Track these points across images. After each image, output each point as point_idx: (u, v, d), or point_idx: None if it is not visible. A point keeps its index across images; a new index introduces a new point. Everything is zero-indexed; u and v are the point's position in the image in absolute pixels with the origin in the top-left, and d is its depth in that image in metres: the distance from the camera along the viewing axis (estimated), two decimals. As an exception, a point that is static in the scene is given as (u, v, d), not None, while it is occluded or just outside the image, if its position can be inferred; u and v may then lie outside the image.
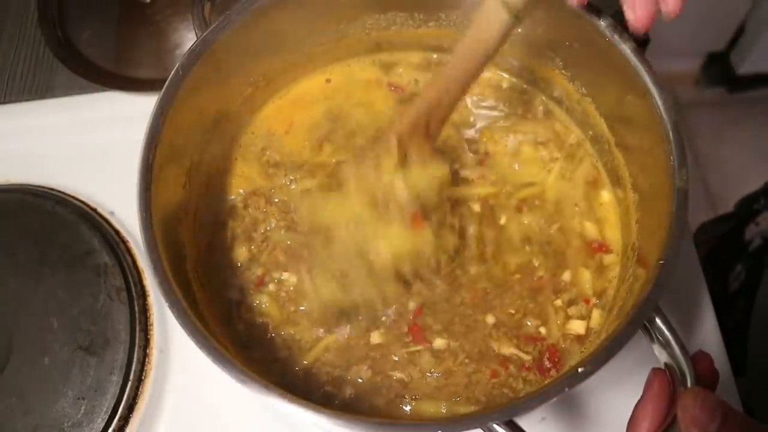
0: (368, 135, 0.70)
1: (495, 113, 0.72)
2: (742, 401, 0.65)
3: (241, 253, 0.64)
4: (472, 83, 0.59)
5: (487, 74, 0.73)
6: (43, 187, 0.74)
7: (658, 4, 0.46)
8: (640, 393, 0.47)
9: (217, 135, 0.67)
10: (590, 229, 0.65)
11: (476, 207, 0.66)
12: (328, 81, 0.73)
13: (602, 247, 0.64)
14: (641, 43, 0.79)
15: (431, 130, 0.60)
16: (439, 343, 0.60)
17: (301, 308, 0.62)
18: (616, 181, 0.65)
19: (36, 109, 0.82)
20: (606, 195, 0.67)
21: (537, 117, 0.71)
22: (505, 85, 0.73)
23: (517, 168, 0.68)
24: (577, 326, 0.61)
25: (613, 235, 0.65)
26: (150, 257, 0.52)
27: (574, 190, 0.67)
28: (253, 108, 0.70)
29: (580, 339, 0.61)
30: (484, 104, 0.72)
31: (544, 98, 0.72)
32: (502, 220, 0.65)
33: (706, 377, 0.46)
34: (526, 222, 0.65)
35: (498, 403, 0.58)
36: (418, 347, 0.60)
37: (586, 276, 0.63)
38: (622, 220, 0.64)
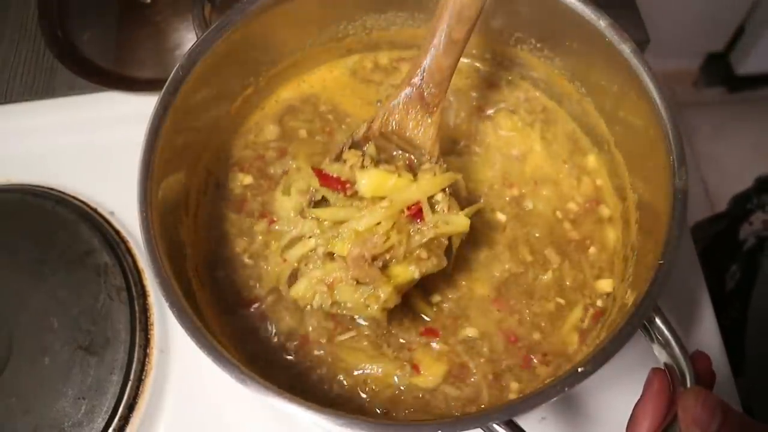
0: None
1: (493, 112, 0.72)
2: (741, 401, 0.65)
3: (243, 251, 0.64)
4: (463, 38, 0.56)
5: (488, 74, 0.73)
6: (44, 187, 0.75)
7: None
8: (640, 392, 0.47)
9: (217, 134, 0.67)
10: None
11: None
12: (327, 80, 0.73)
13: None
14: (641, 43, 0.80)
15: (427, 100, 0.58)
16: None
17: (308, 306, 0.61)
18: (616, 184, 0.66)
19: (36, 109, 0.82)
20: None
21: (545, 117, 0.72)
22: (504, 83, 0.73)
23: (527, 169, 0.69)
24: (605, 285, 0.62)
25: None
26: (150, 257, 0.52)
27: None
28: (253, 108, 0.70)
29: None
30: (488, 111, 0.72)
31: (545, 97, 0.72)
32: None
33: (705, 377, 0.46)
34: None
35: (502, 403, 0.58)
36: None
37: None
38: (622, 219, 0.64)
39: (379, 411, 0.58)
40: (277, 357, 0.60)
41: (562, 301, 0.62)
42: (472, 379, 0.59)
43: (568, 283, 0.63)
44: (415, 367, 0.59)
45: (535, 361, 0.60)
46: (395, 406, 0.58)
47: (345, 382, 0.59)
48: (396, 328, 0.61)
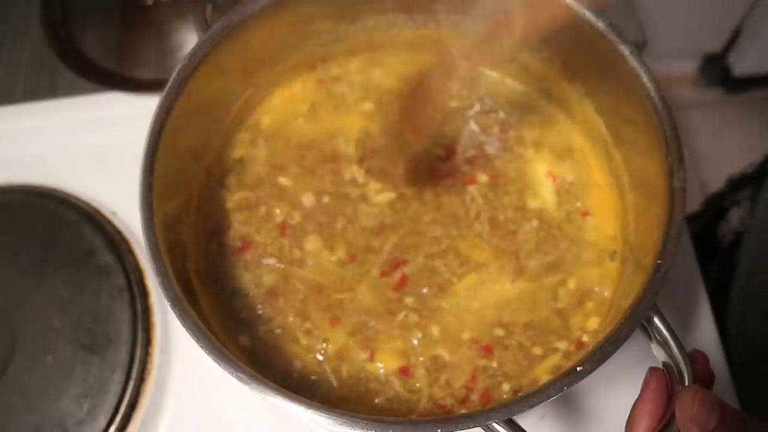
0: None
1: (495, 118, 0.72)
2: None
3: (243, 252, 0.64)
4: None
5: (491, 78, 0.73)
6: (46, 187, 0.75)
7: None
8: (639, 390, 0.48)
9: (218, 135, 0.67)
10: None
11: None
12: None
13: None
14: (639, 44, 0.80)
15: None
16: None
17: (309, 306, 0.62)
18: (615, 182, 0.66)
19: (38, 110, 0.82)
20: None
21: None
22: (507, 88, 0.73)
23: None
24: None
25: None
26: (151, 257, 0.52)
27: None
28: (254, 108, 0.71)
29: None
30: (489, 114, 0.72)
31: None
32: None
33: (703, 376, 0.46)
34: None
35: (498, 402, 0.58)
36: None
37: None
38: (621, 219, 0.65)
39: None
40: (278, 355, 0.60)
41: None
42: (417, 385, 0.59)
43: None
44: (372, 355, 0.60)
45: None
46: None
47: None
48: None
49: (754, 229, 0.80)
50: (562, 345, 0.60)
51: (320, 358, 0.59)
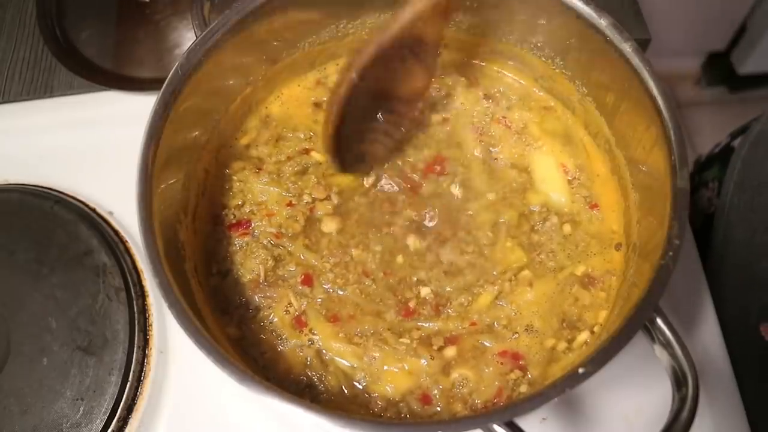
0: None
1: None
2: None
3: (240, 253, 0.64)
4: None
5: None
6: (42, 186, 0.74)
7: None
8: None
9: (216, 134, 0.66)
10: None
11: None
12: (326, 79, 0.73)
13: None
14: (642, 42, 0.80)
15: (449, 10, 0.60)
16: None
17: (303, 306, 0.61)
18: (618, 182, 0.65)
19: (35, 108, 0.82)
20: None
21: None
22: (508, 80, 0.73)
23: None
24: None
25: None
26: (149, 257, 0.51)
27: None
28: (252, 107, 0.70)
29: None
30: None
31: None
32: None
33: None
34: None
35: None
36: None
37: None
38: (625, 216, 0.64)
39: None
40: (276, 355, 0.59)
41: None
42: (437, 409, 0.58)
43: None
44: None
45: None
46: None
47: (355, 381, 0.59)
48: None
49: (724, 209, 0.80)
50: (582, 337, 0.60)
51: (325, 357, 0.59)
